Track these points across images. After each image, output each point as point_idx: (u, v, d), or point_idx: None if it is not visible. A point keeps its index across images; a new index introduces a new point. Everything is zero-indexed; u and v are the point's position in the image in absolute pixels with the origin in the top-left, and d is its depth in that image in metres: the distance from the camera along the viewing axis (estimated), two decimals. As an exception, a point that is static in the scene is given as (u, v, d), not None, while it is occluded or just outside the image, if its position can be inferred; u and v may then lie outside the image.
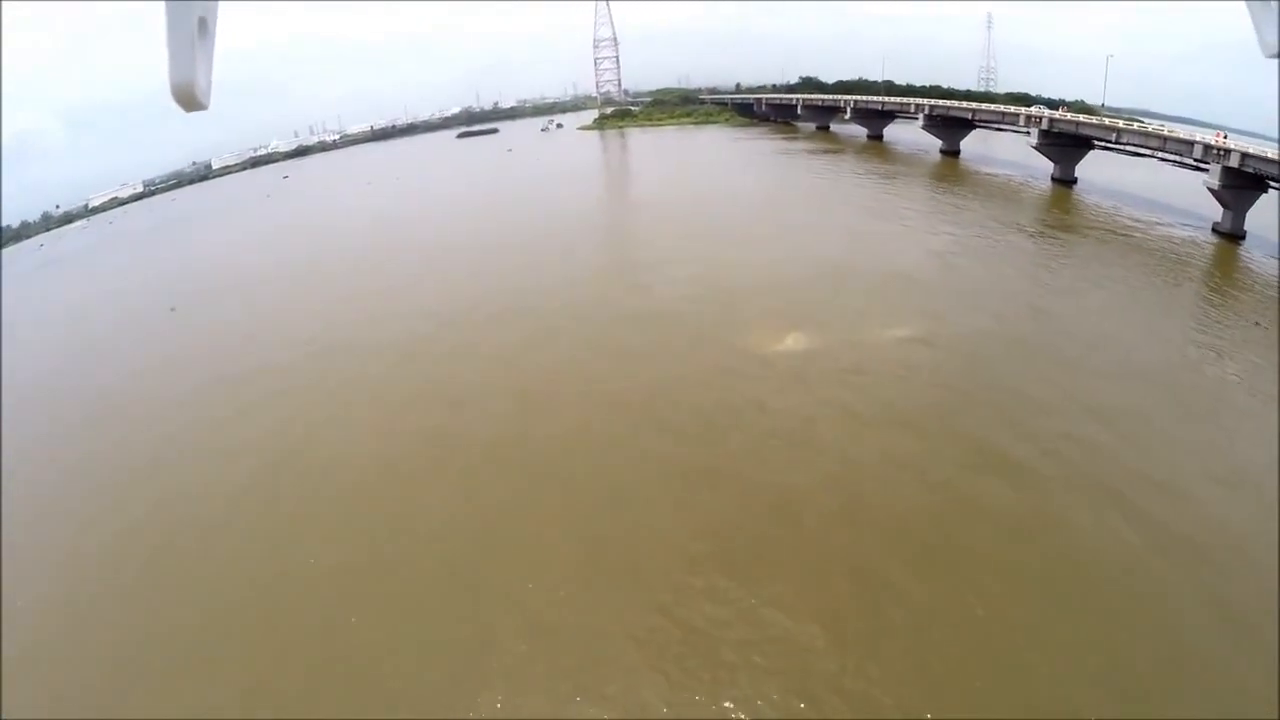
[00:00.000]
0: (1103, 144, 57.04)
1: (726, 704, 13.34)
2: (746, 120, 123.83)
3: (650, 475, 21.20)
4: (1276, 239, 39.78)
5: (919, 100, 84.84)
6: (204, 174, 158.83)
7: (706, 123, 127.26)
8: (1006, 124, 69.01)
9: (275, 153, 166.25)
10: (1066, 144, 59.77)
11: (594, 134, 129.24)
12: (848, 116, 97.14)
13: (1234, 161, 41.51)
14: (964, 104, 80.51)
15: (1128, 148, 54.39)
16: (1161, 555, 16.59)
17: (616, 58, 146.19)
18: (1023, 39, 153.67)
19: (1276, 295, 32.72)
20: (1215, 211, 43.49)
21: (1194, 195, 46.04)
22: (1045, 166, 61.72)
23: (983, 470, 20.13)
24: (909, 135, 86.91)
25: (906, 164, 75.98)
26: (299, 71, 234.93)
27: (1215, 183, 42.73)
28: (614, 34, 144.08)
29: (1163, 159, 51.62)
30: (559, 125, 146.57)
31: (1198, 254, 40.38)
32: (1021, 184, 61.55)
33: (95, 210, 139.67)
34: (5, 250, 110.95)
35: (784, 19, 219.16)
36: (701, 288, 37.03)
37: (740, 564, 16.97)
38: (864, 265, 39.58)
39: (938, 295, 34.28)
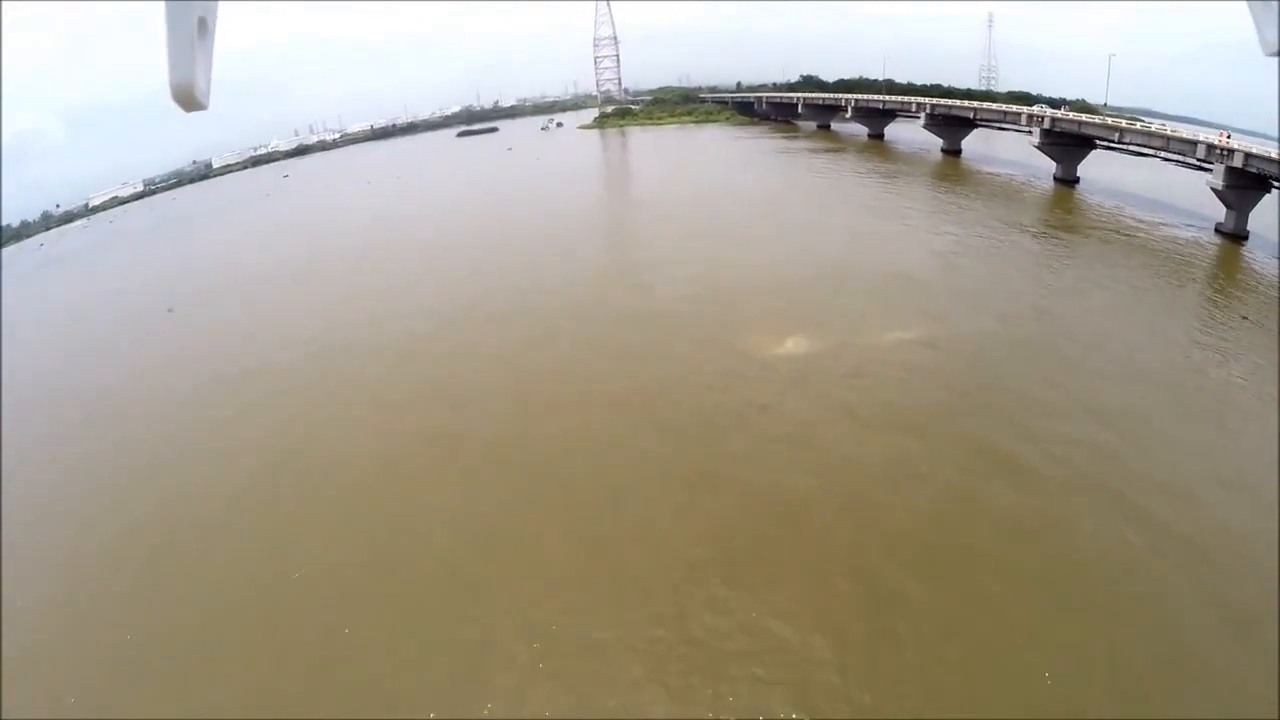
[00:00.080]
0: (1105, 144, 56.94)
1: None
2: (747, 119, 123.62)
3: (650, 476, 21.17)
4: (1278, 239, 39.72)
5: (920, 99, 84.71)
6: (204, 173, 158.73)
7: (707, 121, 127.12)
8: (1008, 123, 68.89)
9: (275, 152, 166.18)
10: (1069, 143, 59.67)
11: (594, 133, 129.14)
12: (849, 115, 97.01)
13: (1238, 161, 41.44)
14: (965, 103, 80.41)
15: (1131, 147, 54.31)
16: (1162, 556, 16.58)
17: (617, 56, 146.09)
18: (1023, 39, 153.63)
19: (1278, 296, 32.67)
20: (1218, 212, 43.42)
21: (1197, 195, 45.98)
22: (1047, 166, 61.63)
23: (984, 473, 20.10)
24: (910, 134, 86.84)
25: (908, 163, 75.92)
26: (299, 71, 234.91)
27: (1219, 183, 42.67)
28: (614, 33, 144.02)
29: (1165, 159, 51.55)
30: (559, 124, 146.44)
31: (1201, 254, 40.31)
32: (1023, 183, 61.47)
33: (95, 209, 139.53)
34: (5, 250, 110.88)
35: (785, 19, 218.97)
36: (702, 288, 37.01)
37: (741, 569, 16.90)
38: (865, 265, 39.53)
39: (940, 295, 34.23)
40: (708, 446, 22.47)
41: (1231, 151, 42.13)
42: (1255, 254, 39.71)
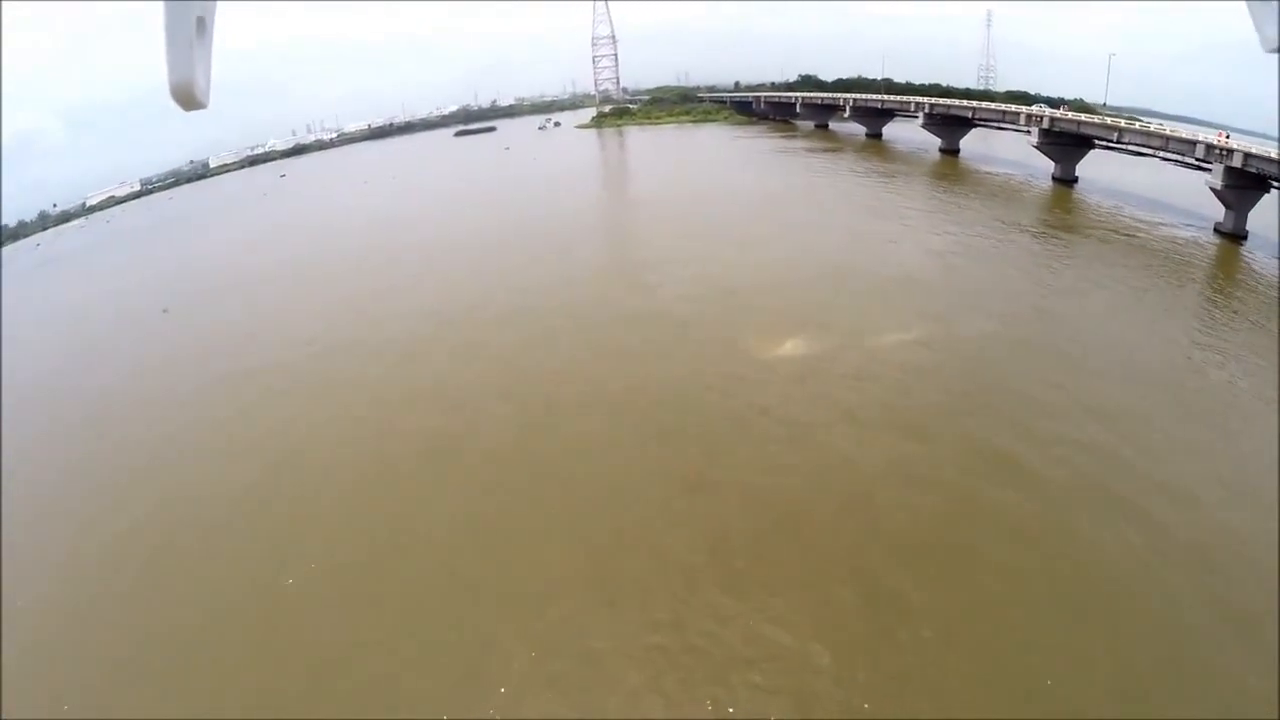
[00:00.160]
0: (1104, 143, 56.95)
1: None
2: (745, 118, 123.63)
3: (650, 477, 21.14)
4: (1278, 239, 39.76)
5: (919, 99, 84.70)
6: (201, 173, 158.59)
7: (705, 121, 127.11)
8: (1007, 123, 68.90)
9: (272, 151, 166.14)
10: (1067, 143, 59.68)
11: (592, 132, 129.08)
12: (847, 115, 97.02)
13: (1237, 161, 41.45)
14: (964, 102, 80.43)
15: (1129, 147, 54.31)
16: (1162, 556, 16.58)
17: (615, 55, 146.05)
18: (1022, 38, 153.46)
19: (1278, 296, 32.71)
20: (1217, 212, 43.45)
21: (1196, 195, 45.99)
22: (1046, 166, 61.65)
23: (985, 473, 20.08)
24: (908, 134, 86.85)
25: (906, 162, 75.94)
26: (299, 72, 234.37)
27: (1218, 183, 42.68)
28: (612, 32, 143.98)
29: (1165, 159, 51.56)
30: (557, 124, 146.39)
31: (1200, 254, 40.33)
32: (1022, 183, 61.49)
33: (92, 209, 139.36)
34: (4, 250, 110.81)
35: (785, 19, 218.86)
36: (701, 287, 37.00)
37: (741, 573, 16.86)
38: (864, 265, 39.54)
39: (939, 296, 34.23)
40: (707, 447, 22.45)
41: (1230, 151, 42.14)
42: (1255, 254, 39.75)
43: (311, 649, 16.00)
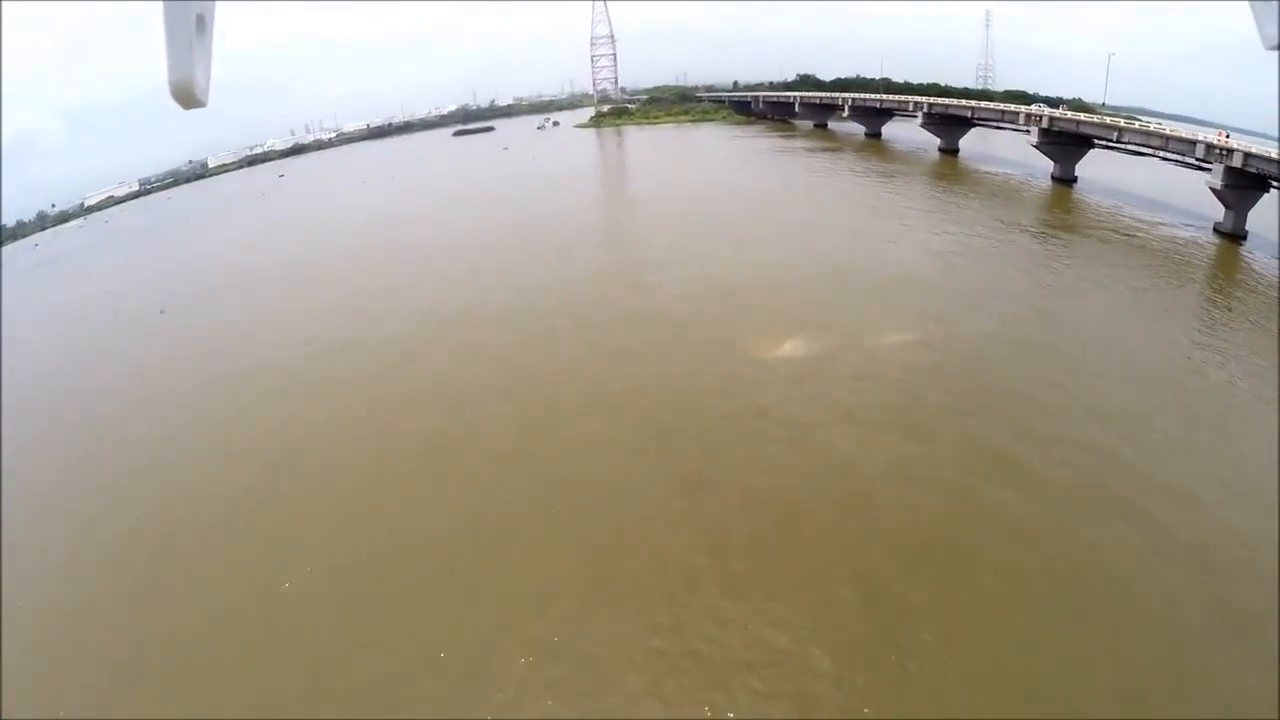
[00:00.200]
0: (1104, 143, 56.96)
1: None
2: (744, 118, 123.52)
3: (650, 478, 21.13)
4: (1277, 239, 39.78)
5: (918, 98, 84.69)
6: (200, 173, 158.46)
7: (704, 120, 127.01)
8: (1006, 122, 68.91)
9: (271, 151, 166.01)
10: (1067, 143, 59.68)
11: (590, 132, 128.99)
12: (846, 114, 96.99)
13: (1237, 161, 41.46)
14: (963, 102, 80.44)
15: (1129, 147, 54.31)
16: (1162, 556, 16.58)
17: (614, 55, 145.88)
18: (1022, 38, 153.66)
19: (1277, 296, 32.73)
20: (1216, 211, 43.47)
21: (1195, 195, 46.00)
22: (1045, 165, 61.66)
23: (985, 473, 20.08)
24: (907, 133, 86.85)
25: (905, 162, 75.94)
26: (299, 71, 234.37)
27: (1217, 182, 42.69)
28: (611, 31, 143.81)
29: (1164, 158, 51.55)
30: (555, 123, 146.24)
31: (1200, 254, 40.35)
32: (1021, 183, 61.50)
33: (91, 209, 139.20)
34: (3, 250, 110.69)
35: (785, 19, 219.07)
36: (700, 287, 36.98)
37: (740, 574, 16.84)
38: (864, 265, 39.53)
39: (939, 295, 34.23)
40: (707, 447, 22.44)
41: (1230, 151, 42.15)
42: (1254, 254, 39.77)
43: (311, 649, 15.99)
